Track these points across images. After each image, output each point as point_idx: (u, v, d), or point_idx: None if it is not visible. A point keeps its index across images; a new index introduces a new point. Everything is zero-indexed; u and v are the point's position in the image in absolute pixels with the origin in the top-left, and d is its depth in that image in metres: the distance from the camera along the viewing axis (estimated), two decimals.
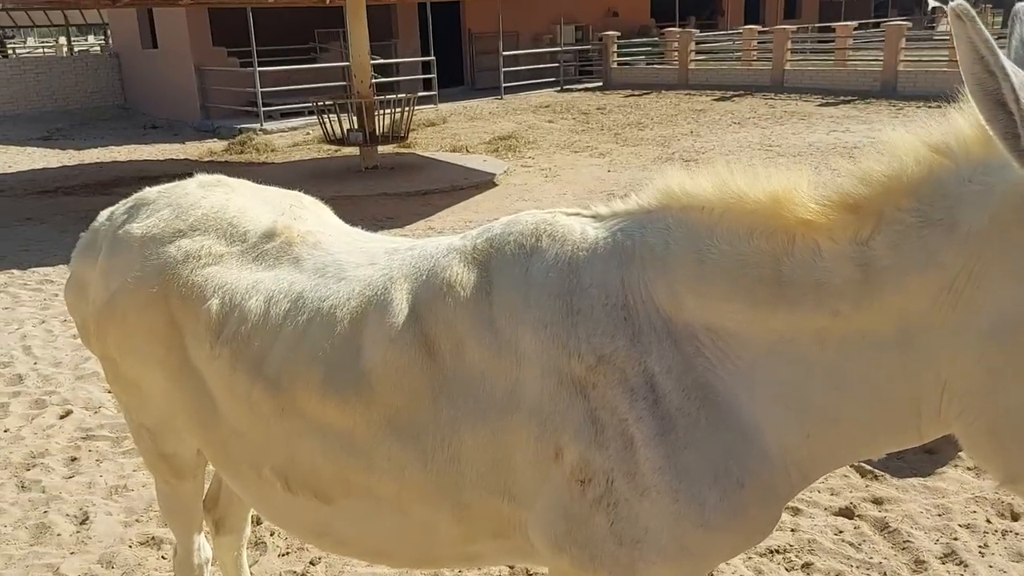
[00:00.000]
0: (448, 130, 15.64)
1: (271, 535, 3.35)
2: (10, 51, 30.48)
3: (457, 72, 21.86)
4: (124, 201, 2.15)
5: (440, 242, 1.73)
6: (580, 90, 20.94)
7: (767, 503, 1.42)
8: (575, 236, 1.52)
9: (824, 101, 16.22)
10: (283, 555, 3.25)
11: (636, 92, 19.46)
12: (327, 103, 11.62)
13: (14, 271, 7.20)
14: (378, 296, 1.66)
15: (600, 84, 21.46)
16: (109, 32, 25.26)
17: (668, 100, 17.87)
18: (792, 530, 3.25)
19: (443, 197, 9.87)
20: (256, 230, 1.93)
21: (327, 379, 1.65)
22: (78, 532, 3.44)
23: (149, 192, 2.12)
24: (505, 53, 19.98)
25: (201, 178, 2.14)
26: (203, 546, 2.38)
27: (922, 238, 1.20)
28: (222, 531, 2.56)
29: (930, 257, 1.20)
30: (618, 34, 21.72)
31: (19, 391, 4.80)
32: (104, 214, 2.17)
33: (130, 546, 3.33)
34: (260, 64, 16.09)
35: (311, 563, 3.18)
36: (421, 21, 19.47)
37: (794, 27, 19.98)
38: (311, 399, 1.67)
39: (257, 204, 2.03)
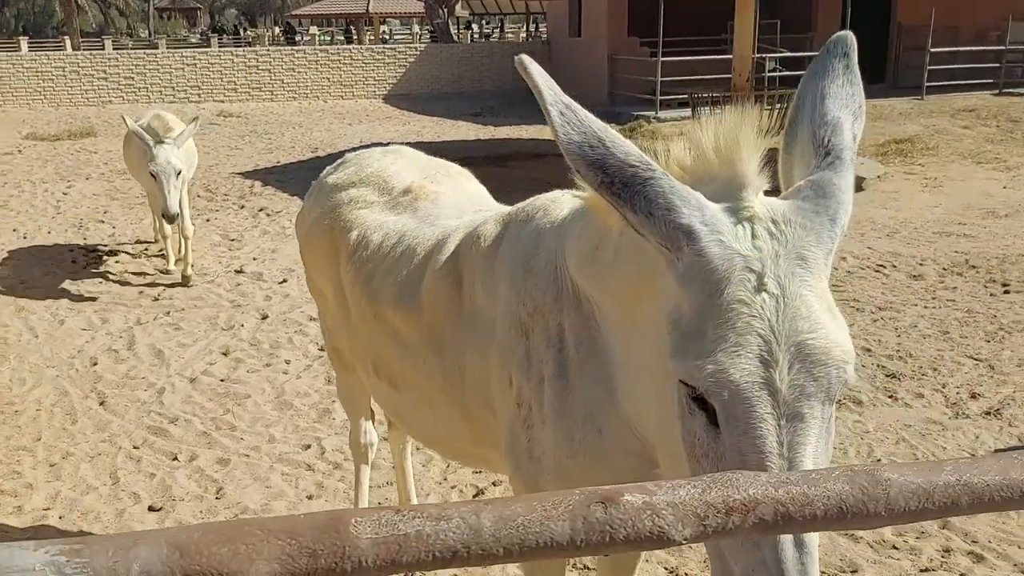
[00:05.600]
0: None
1: None
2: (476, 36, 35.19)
3: (879, 69, 20.40)
4: (338, 160, 2.85)
5: (507, 207, 2.11)
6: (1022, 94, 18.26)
7: (626, 452, 1.59)
8: (557, 211, 1.81)
9: None
10: (476, 472, 3.84)
11: None
12: (702, 95, 11.88)
13: None
14: (444, 239, 2.12)
15: None
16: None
17: None
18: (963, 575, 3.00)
19: None
20: (399, 187, 2.48)
21: (399, 295, 2.15)
22: None
23: (350, 154, 2.79)
24: (935, 49, 18.15)
25: (386, 148, 2.76)
26: (369, 431, 3.04)
27: None
28: (393, 426, 3.19)
29: None
30: None
31: None
32: (325, 170, 2.90)
33: None
34: (669, 54, 16.76)
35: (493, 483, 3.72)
36: (845, 13, 18.53)
37: None
38: (388, 310, 2.19)
39: (412, 168, 2.58)
